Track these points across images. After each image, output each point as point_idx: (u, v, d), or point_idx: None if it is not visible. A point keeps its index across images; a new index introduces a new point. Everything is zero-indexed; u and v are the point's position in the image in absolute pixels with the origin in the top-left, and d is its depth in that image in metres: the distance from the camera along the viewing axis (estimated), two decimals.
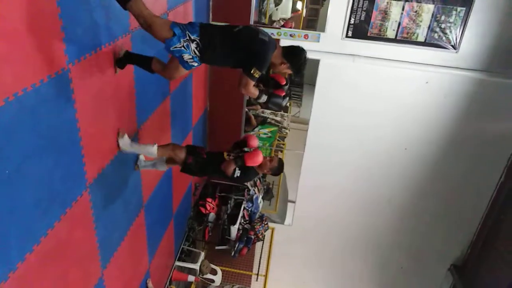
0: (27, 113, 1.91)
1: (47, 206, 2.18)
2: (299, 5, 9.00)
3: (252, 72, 2.42)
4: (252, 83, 2.48)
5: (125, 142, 2.93)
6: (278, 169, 3.18)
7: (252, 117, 6.72)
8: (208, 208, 5.83)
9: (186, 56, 2.47)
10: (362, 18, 4.89)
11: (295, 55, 2.61)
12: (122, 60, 2.76)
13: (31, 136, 1.97)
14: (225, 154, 3.11)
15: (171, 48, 2.43)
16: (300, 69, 2.66)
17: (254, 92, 2.55)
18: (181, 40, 2.41)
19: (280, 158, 3.25)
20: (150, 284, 4.11)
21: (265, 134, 7.09)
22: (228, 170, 2.99)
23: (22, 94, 1.85)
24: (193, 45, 2.43)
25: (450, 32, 4.81)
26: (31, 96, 1.91)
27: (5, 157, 1.80)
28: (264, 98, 2.63)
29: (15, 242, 1.94)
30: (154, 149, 3.00)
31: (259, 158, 2.97)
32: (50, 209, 2.21)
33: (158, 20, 2.41)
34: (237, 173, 2.98)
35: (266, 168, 3.13)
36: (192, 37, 2.42)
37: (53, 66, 2.06)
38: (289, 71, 2.66)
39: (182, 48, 2.42)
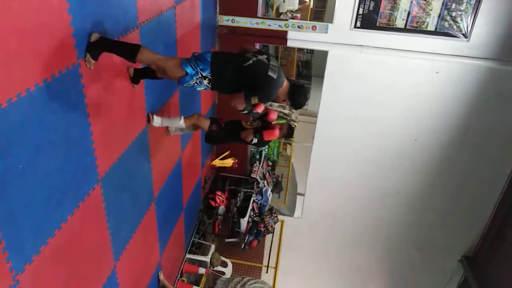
0: (39, 109, 1.94)
1: (60, 200, 2.21)
2: None
3: (251, 99, 2.58)
4: (244, 103, 2.65)
5: (157, 121, 3.40)
6: (288, 134, 3.56)
7: None
8: (218, 201, 5.87)
9: (199, 88, 2.63)
10: (371, 8, 4.82)
11: (298, 97, 2.80)
12: (134, 78, 2.93)
13: (43, 131, 1.99)
14: (243, 122, 3.49)
15: (185, 85, 2.57)
16: (299, 108, 2.99)
17: (241, 106, 2.70)
18: (194, 78, 2.54)
19: (289, 124, 3.68)
20: (161, 276, 4.16)
21: None
22: (248, 138, 3.40)
23: (34, 90, 1.87)
24: (205, 81, 2.57)
25: (461, 20, 4.72)
26: (43, 92, 1.94)
27: (18, 152, 1.83)
28: (248, 109, 2.80)
29: (30, 235, 1.98)
30: (181, 122, 3.53)
31: (275, 135, 3.37)
32: (63, 203, 2.25)
33: (169, 62, 2.54)
34: (254, 140, 3.40)
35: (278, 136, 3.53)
36: (204, 74, 2.53)
37: (63, 61, 2.08)
38: (288, 105, 2.96)
39: (195, 84, 2.57)
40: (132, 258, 3.35)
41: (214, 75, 2.54)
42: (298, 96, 2.79)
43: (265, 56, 2.65)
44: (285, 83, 2.73)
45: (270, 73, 2.56)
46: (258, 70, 2.57)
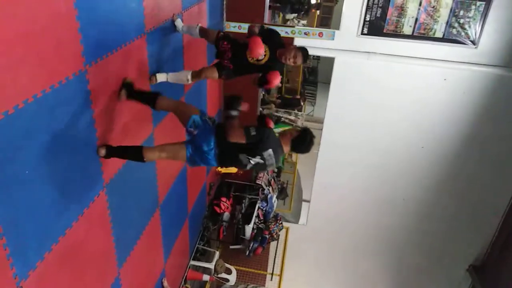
0: (45, 115, 1.94)
1: (65, 206, 2.21)
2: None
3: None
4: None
5: (161, 78, 3.21)
6: (304, 58, 3.02)
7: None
8: (223, 207, 5.84)
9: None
10: (378, 15, 4.81)
11: (299, 147, 2.62)
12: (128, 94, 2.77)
13: (50, 137, 1.99)
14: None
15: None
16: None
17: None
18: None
19: (303, 48, 3.04)
20: (165, 283, 4.13)
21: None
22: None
23: (41, 96, 1.87)
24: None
25: (469, 27, 4.69)
26: (50, 98, 1.94)
27: (24, 158, 1.83)
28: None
29: (34, 242, 1.97)
30: (189, 77, 3.25)
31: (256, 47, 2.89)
32: (68, 209, 2.24)
33: (187, 107, 2.77)
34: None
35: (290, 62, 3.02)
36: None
37: (70, 67, 2.08)
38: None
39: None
40: (136, 265, 3.33)
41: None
42: (299, 147, 2.62)
43: (260, 158, 2.46)
44: (285, 149, 2.59)
45: (269, 168, 2.56)
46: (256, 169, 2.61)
